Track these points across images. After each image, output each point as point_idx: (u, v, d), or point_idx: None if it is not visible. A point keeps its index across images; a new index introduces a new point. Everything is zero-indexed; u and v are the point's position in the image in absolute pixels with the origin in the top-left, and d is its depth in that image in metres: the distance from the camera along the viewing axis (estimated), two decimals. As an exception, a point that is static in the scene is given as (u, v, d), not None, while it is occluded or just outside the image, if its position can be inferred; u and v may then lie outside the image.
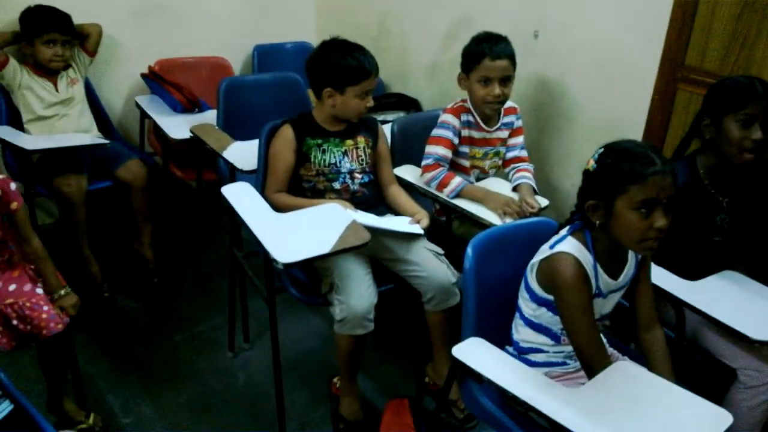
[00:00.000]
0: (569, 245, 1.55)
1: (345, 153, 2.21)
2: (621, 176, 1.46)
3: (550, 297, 1.59)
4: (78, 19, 2.90)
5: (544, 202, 2.25)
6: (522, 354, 1.70)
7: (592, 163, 1.51)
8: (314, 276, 2.10)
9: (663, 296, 1.76)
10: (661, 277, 1.79)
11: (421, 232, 2.12)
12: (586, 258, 1.54)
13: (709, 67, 2.19)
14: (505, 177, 2.44)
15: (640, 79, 2.36)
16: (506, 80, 2.27)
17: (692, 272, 1.83)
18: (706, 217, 1.95)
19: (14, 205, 1.91)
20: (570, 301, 1.51)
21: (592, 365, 1.52)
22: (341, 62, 2.10)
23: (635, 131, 2.38)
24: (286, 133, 2.16)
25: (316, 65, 2.14)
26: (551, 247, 1.58)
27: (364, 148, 2.25)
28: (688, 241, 1.92)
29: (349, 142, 2.22)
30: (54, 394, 2.09)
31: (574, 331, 1.53)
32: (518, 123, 2.45)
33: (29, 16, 2.79)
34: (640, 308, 1.68)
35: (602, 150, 1.52)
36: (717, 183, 1.95)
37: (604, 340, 1.78)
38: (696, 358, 1.89)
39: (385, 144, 2.34)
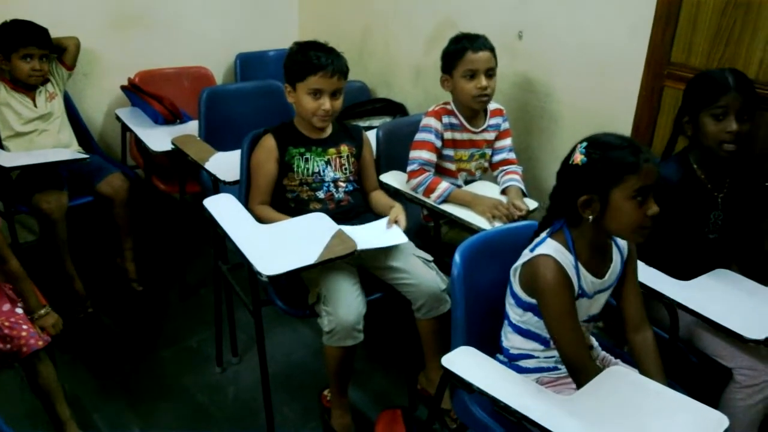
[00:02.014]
0: (549, 248, 1.53)
1: (328, 162, 2.17)
2: (616, 167, 1.44)
3: (535, 302, 1.56)
4: (55, 33, 2.85)
5: (533, 204, 2.22)
6: (513, 361, 1.67)
7: (580, 158, 1.48)
8: (301, 287, 2.06)
9: (656, 297, 1.73)
10: (653, 277, 1.77)
11: (403, 239, 2.05)
12: (567, 259, 1.52)
13: (695, 63, 2.17)
14: (493, 180, 2.41)
15: (627, 76, 2.35)
16: (490, 72, 2.25)
17: (686, 270, 1.81)
18: (701, 213, 1.94)
19: (-11, 224, 1.87)
20: (551, 305, 1.50)
21: (577, 369, 1.49)
22: (294, 57, 2.08)
23: (623, 130, 2.36)
24: (268, 143, 2.12)
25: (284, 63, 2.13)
26: (531, 250, 1.56)
27: (347, 156, 2.21)
28: (683, 239, 1.90)
29: (332, 150, 2.18)
30: (56, 424, 2.02)
31: (558, 334, 1.51)
32: (505, 125, 2.43)
33: (5, 30, 2.74)
34: (628, 308, 1.65)
35: (586, 144, 1.49)
36: (712, 176, 1.94)
37: (596, 344, 1.76)
38: (691, 359, 1.86)
39: (369, 152, 2.31)
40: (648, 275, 1.76)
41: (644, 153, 1.44)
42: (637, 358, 1.61)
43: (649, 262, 1.80)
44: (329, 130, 2.20)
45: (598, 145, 1.48)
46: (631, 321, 1.64)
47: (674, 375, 1.65)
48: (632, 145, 1.46)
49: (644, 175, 1.43)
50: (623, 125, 2.37)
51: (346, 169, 2.20)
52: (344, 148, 2.21)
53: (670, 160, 1.99)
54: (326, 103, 2.07)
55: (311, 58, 2.04)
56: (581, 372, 1.48)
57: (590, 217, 1.49)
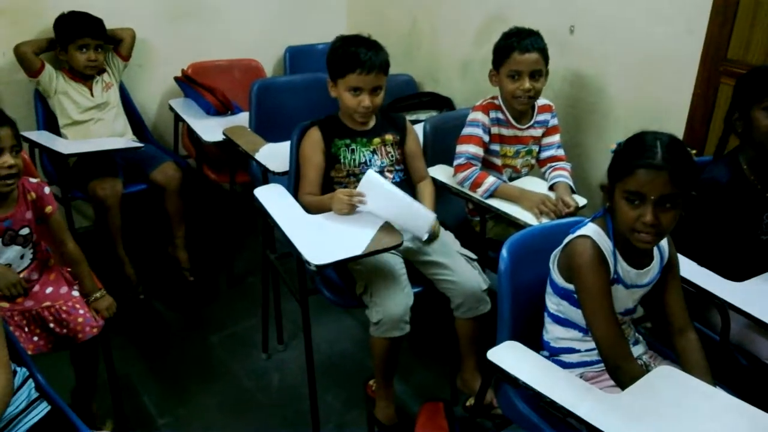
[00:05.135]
0: (588, 229, 1.55)
1: (374, 151, 2.18)
2: (618, 164, 1.49)
3: (571, 287, 1.57)
4: (111, 24, 2.93)
5: (581, 201, 2.20)
6: (554, 355, 1.67)
7: (612, 147, 1.53)
8: (348, 278, 2.08)
9: (707, 298, 1.70)
10: (704, 278, 1.73)
11: (425, 236, 2.05)
12: (605, 243, 1.54)
13: (753, 59, 2.12)
14: (541, 176, 2.39)
15: (681, 73, 2.30)
16: (536, 74, 2.22)
17: (739, 272, 1.77)
18: (753, 215, 1.89)
19: (49, 208, 1.94)
20: (586, 283, 1.51)
21: (610, 350, 1.49)
22: (335, 53, 2.08)
23: (676, 127, 2.32)
24: (314, 136, 2.15)
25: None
26: (572, 233, 1.58)
27: (392, 144, 2.22)
28: (734, 241, 1.86)
29: (377, 140, 2.19)
30: (82, 393, 2.11)
31: (593, 316, 1.51)
32: (553, 121, 2.40)
33: (63, 22, 2.83)
34: (672, 313, 1.63)
35: (630, 136, 1.52)
36: (762, 177, 1.88)
37: (642, 341, 1.73)
38: (741, 362, 1.82)
39: (414, 141, 2.30)
40: (700, 275, 1.72)
41: (652, 160, 1.41)
42: (683, 361, 1.59)
43: (701, 263, 1.77)
44: (373, 121, 2.20)
45: (631, 138, 1.50)
46: (676, 325, 1.62)
47: (724, 378, 1.62)
48: (651, 149, 1.42)
49: (634, 181, 1.43)
50: (676, 123, 2.33)
51: (392, 156, 2.21)
52: (388, 137, 2.22)
53: (720, 162, 1.95)
54: (366, 100, 2.07)
55: (350, 56, 2.03)
56: (617, 356, 1.48)
57: (607, 204, 1.53)
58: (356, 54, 2.03)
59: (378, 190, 1.98)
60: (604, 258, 1.52)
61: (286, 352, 2.59)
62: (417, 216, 2.00)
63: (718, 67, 2.20)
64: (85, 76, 2.90)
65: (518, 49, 2.20)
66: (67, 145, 2.73)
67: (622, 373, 1.46)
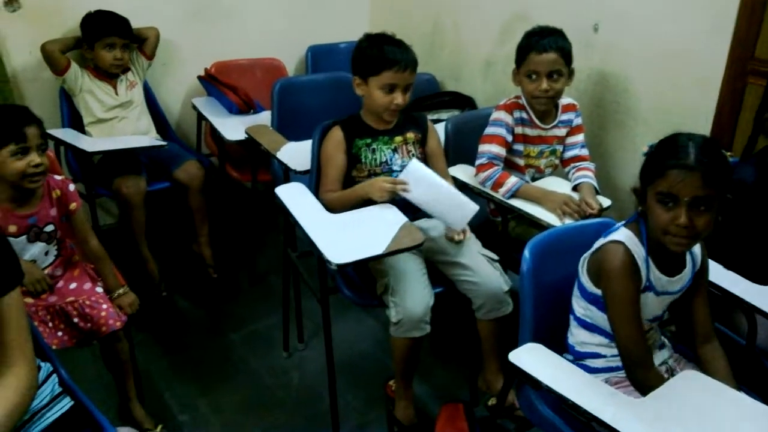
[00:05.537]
0: (621, 235, 1.52)
1: (395, 150, 2.18)
2: (650, 166, 1.46)
3: (599, 292, 1.55)
4: (136, 23, 2.96)
5: (605, 202, 2.17)
6: (579, 360, 1.65)
7: (644, 150, 1.49)
8: (368, 277, 2.08)
9: (734, 302, 1.67)
10: (731, 281, 1.70)
11: (466, 227, 2.07)
12: (638, 249, 1.50)
13: (782, 59, 2.08)
14: (564, 176, 2.36)
15: (708, 72, 2.27)
16: (554, 74, 2.20)
17: (765, 275, 1.74)
18: (781, 217, 1.85)
19: (73, 205, 1.96)
20: (615, 290, 1.49)
21: (633, 361, 1.47)
22: (367, 51, 2.08)
23: (702, 127, 2.28)
24: (336, 135, 2.15)
25: (352, 55, 2.14)
26: (604, 237, 1.55)
27: (413, 143, 2.21)
28: (762, 243, 1.82)
29: (398, 138, 2.19)
30: (123, 399, 2.13)
31: (618, 322, 1.49)
32: (577, 120, 2.38)
33: (89, 20, 2.86)
34: (698, 320, 1.60)
35: (662, 138, 1.49)
36: None
37: (668, 344, 1.71)
38: (768, 367, 1.79)
39: (436, 140, 2.29)
40: (726, 279, 1.70)
41: (684, 160, 1.37)
42: (707, 368, 1.56)
43: (728, 266, 1.74)
44: (394, 121, 2.20)
45: (663, 140, 1.47)
46: (701, 332, 1.60)
47: (749, 383, 1.59)
48: (683, 149, 1.39)
49: (666, 182, 1.39)
50: (702, 123, 2.30)
51: (413, 155, 2.20)
52: (410, 135, 2.21)
53: (748, 162, 1.91)
54: (399, 98, 2.07)
55: (387, 53, 2.04)
56: (638, 365, 1.46)
57: (640, 208, 1.50)
58: (393, 52, 2.04)
59: (422, 180, 1.99)
60: (635, 266, 1.49)
61: (307, 351, 2.60)
62: (460, 206, 2.01)
63: (746, 66, 2.17)
64: (110, 75, 2.93)
65: (536, 49, 2.18)
66: (91, 143, 2.76)
67: (642, 383, 1.44)
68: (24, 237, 1.89)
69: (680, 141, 1.43)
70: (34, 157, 1.80)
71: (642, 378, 1.45)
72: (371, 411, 2.30)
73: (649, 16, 2.42)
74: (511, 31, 2.92)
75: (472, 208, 2.01)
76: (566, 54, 2.21)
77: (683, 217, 1.39)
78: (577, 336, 1.65)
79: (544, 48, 2.17)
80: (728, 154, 1.46)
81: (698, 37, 2.28)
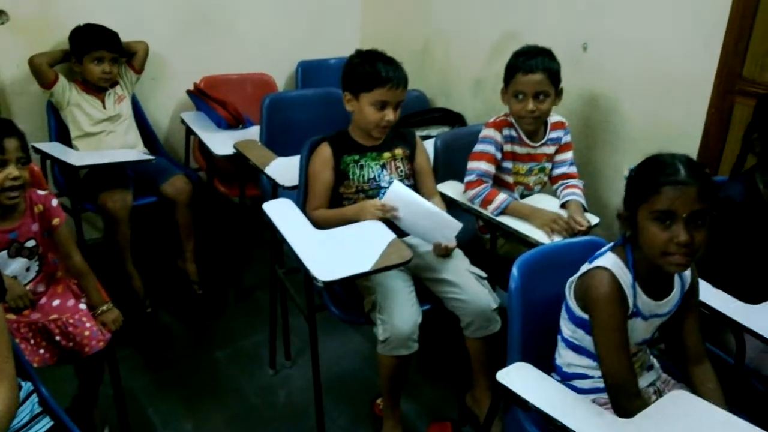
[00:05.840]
0: (607, 260, 1.50)
1: (383, 166, 2.17)
2: (640, 185, 1.43)
3: (587, 317, 1.53)
4: (124, 37, 2.95)
5: (593, 219, 2.17)
6: (566, 380, 1.63)
7: (627, 172, 1.48)
8: (356, 294, 2.06)
9: (722, 320, 1.67)
10: (719, 300, 1.70)
11: (453, 242, 2.07)
12: (624, 275, 1.48)
13: (769, 78, 2.09)
14: (553, 194, 2.36)
15: (695, 91, 2.28)
16: (541, 95, 2.20)
17: (754, 294, 1.74)
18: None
19: (56, 221, 1.94)
20: (601, 317, 1.46)
21: (618, 388, 1.44)
22: (359, 67, 2.08)
23: (690, 146, 2.29)
24: (324, 152, 2.14)
25: (343, 70, 2.13)
26: (590, 262, 1.53)
27: (401, 159, 2.21)
28: (750, 262, 1.82)
29: (387, 154, 2.18)
30: (83, 402, 2.10)
31: (604, 349, 1.46)
32: (566, 138, 2.38)
33: (79, 34, 2.85)
34: (689, 341, 1.59)
35: (643, 160, 1.47)
36: None
37: (657, 365, 1.70)
38: (757, 387, 1.78)
39: (424, 156, 2.29)
40: (715, 298, 1.69)
41: (676, 176, 1.36)
42: (698, 390, 1.55)
43: (716, 285, 1.73)
44: (383, 137, 2.20)
45: (645, 161, 1.46)
46: (692, 354, 1.59)
47: (738, 403, 1.58)
48: (671, 166, 1.38)
49: (663, 198, 1.37)
50: (691, 142, 2.30)
51: (401, 171, 2.20)
52: (398, 151, 2.21)
53: (737, 180, 1.92)
54: (390, 115, 2.08)
55: (380, 70, 2.04)
56: (622, 392, 1.43)
57: (628, 233, 1.48)
58: (386, 69, 2.05)
59: (403, 200, 1.99)
60: (622, 293, 1.47)
61: (294, 369, 2.57)
62: (444, 224, 2.01)
63: (733, 86, 2.18)
64: (98, 89, 2.92)
65: (522, 69, 2.18)
66: (78, 156, 2.73)
67: (626, 410, 1.42)
68: (4, 252, 1.86)
69: (665, 159, 1.42)
70: (12, 170, 1.77)
71: (626, 406, 1.42)
72: (358, 429, 2.27)
73: (637, 36, 2.44)
74: (501, 50, 2.93)
75: (454, 226, 2.00)
76: (553, 74, 2.21)
77: (683, 235, 1.36)
78: (565, 357, 1.64)
79: (530, 68, 2.17)
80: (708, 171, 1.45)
81: (686, 56, 2.30)
